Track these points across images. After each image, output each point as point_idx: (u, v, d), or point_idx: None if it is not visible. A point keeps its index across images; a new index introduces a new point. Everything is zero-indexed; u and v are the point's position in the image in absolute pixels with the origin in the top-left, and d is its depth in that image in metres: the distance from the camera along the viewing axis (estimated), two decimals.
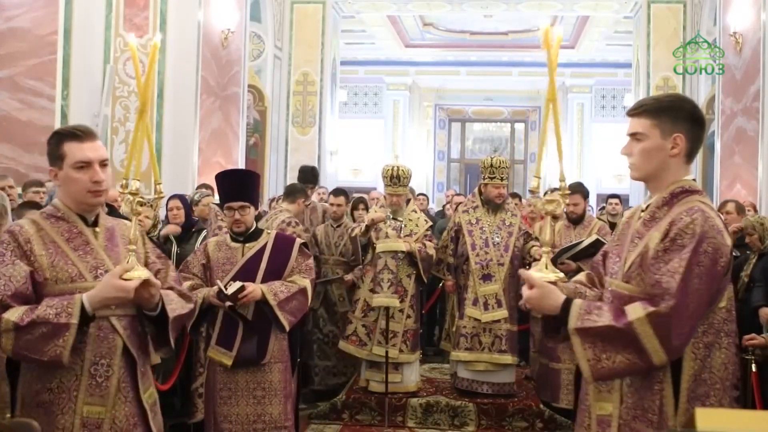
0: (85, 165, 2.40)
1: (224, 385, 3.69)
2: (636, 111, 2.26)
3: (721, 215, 2.35)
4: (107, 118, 8.07)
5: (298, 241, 3.94)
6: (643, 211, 2.26)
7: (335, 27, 12.70)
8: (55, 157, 2.44)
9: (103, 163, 2.44)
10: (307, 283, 3.80)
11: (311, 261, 3.95)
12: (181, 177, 8.04)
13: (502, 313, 5.70)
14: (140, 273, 2.27)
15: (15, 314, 2.25)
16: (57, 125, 7.90)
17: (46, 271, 2.36)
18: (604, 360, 2.03)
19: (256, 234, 3.88)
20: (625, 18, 13.02)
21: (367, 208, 6.99)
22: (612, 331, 2.02)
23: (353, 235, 5.83)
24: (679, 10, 11.36)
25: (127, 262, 2.30)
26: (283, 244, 3.88)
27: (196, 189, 7.63)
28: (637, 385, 2.14)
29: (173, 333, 2.52)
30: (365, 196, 8.32)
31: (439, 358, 7.30)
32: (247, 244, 3.84)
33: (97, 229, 2.51)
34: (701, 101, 11.16)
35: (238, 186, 3.86)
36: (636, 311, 2.01)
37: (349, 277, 6.18)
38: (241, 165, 9.83)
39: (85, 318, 2.29)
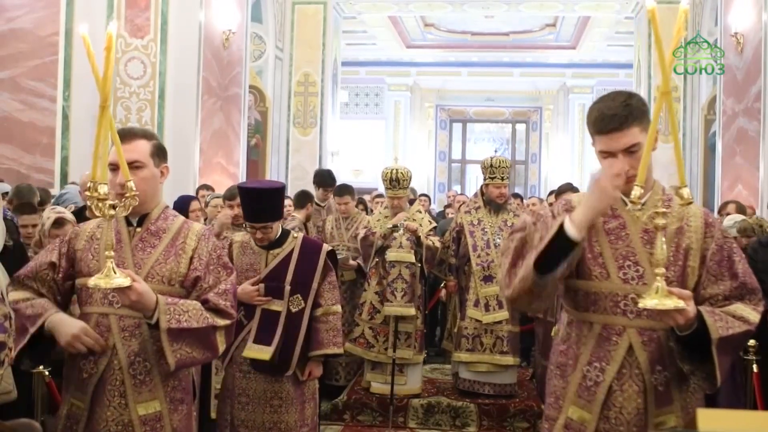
0: (111, 168, 2.37)
1: (243, 391, 3.67)
2: (626, 123, 2.12)
3: None
4: None
5: (326, 248, 3.82)
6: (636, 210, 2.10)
7: (336, 28, 12.71)
8: None
9: (131, 165, 2.39)
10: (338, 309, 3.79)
11: (334, 277, 3.83)
12: (182, 178, 8.04)
13: (503, 314, 5.69)
14: (121, 281, 2.17)
15: (14, 295, 2.44)
16: (58, 126, 7.93)
17: (78, 264, 2.50)
18: (722, 363, 2.07)
19: (282, 239, 3.75)
20: (626, 18, 13.02)
21: (366, 209, 7.01)
22: (747, 334, 2.11)
23: (369, 241, 5.74)
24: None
25: (106, 270, 2.17)
26: (310, 252, 3.75)
27: (198, 190, 7.63)
28: (690, 397, 2.21)
29: (174, 347, 2.35)
30: (365, 197, 8.33)
31: (440, 358, 7.29)
32: (271, 251, 3.73)
33: (138, 229, 2.50)
34: (702, 102, 11.17)
35: (261, 206, 3.65)
36: (752, 314, 2.14)
37: (353, 262, 6.16)
38: (242, 166, 9.84)
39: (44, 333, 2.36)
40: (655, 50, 10.05)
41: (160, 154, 2.54)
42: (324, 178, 7.33)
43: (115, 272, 2.15)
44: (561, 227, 2.10)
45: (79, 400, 2.44)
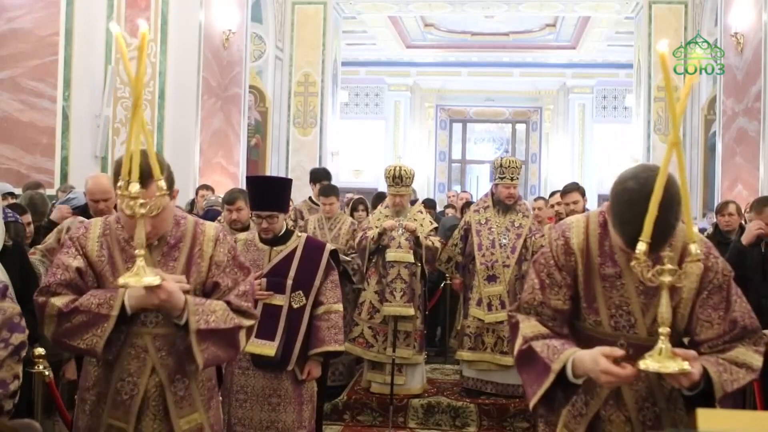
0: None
1: (241, 388, 3.67)
2: (664, 245, 1.90)
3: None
4: (108, 118, 8.08)
5: (329, 247, 3.85)
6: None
7: (336, 28, 12.71)
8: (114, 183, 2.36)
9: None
10: (339, 308, 3.80)
11: (336, 276, 3.85)
12: (182, 178, 8.01)
13: (505, 314, 5.68)
14: (151, 280, 2.14)
15: (61, 300, 2.32)
16: (58, 126, 7.92)
17: (97, 279, 2.42)
18: (729, 404, 2.03)
19: (286, 237, 3.79)
20: (626, 18, 13.02)
21: (367, 210, 6.98)
22: (749, 383, 2.06)
23: (362, 246, 5.75)
24: (680, 11, 11.36)
25: (136, 268, 2.13)
26: (313, 251, 3.78)
27: (198, 190, 7.63)
28: (682, 415, 2.18)
29: (202, 347, 2.35)
30: (364, 198, 8.30)
31: (440, 358, 7.29)
32: (275, 248, 3.76)
33: (157, 242, 2.43)
34: (702, 102, 11.17)
35: (267, 194, 3.73)
36: (755, 358, 2.08)
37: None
38: (242, 166, 9.84)
39: (123, 315, 2.30)
40: (654, 49, 9.95)
41: (170, 184, 2.36)
42: (320, 176, 7.32)
43: (144, 271, 2.12)
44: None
45: (121, 421, 2.41)
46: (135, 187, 2.06)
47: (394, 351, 5.61)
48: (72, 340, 2.33)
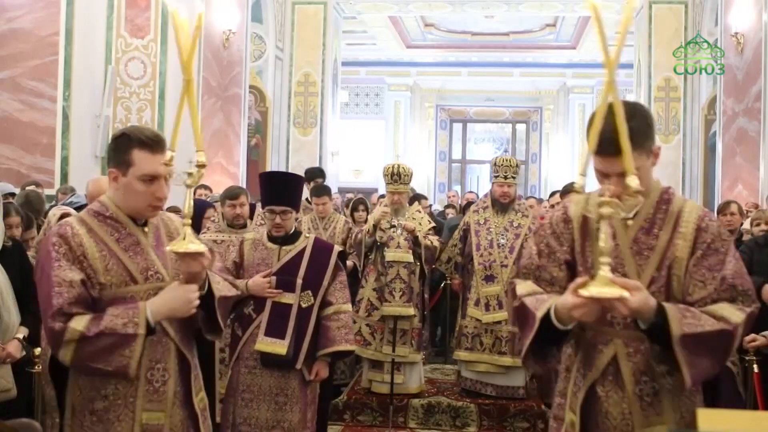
0: (152, 178, 2.29)
1: (247, 387, 3.67)
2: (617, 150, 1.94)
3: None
4: (108, 118, 8.08)
5: (337, 248, 3.87)
6: (629, 219, 2.14)
7: (336, 28, 12.72)
8: (121, 161, 2.31)
9: (166, 179, 2.33)
10: (349, 308, 3.82)
11: (344, 276, 3.87)
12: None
13: (503, 314, 5.67)
14: (197, 246, 2.15)
15: (81, 323, 2.17)
16: (58, 126, 7.91)
17: (101, 276, 2.27)
18: (697, 364, 2.01)
19: (294, 237, 3.81)
20: None
21: (367, 210, 6.98)
22: (723, 333, 2.02)
23: (358, 239, 5.76)
24: (681, 11, 11.37)
25: (183, 236, 2.16)
26: (321, 251, 3.81)
27: (196, 190, 7.63)
28: (687, 402, 2.17)
29: (221, 315, 2.45)
30: (364, 197, 8.31)
31: (440, 358, 7.30)
32: (284, 247, 3.77)
33: (146, 228, 2.40)
34: (703, 102, 11.17)
35: (282, 190, 3.76)
36: (735, 314, 2.04)
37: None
38: (242, 166, 9.85)
39: (149, 328, 2.24)
40: (654, 49, 9.95)
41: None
42: (314, 175, 7.32)
43: (192, 239, 2.16)
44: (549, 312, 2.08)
45: (157, 411, 2.35)
46: (202, 157, 2.13)
47: (393, 351, 5.61)
48: (97, 363, 2.19)
